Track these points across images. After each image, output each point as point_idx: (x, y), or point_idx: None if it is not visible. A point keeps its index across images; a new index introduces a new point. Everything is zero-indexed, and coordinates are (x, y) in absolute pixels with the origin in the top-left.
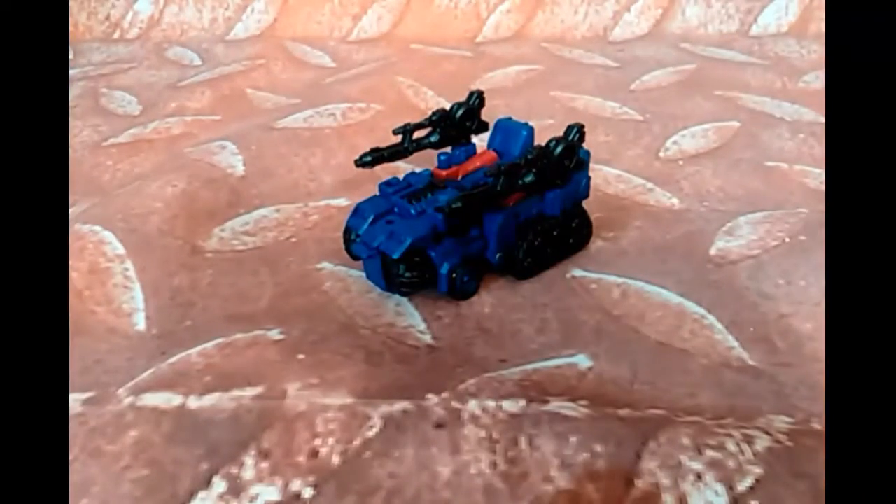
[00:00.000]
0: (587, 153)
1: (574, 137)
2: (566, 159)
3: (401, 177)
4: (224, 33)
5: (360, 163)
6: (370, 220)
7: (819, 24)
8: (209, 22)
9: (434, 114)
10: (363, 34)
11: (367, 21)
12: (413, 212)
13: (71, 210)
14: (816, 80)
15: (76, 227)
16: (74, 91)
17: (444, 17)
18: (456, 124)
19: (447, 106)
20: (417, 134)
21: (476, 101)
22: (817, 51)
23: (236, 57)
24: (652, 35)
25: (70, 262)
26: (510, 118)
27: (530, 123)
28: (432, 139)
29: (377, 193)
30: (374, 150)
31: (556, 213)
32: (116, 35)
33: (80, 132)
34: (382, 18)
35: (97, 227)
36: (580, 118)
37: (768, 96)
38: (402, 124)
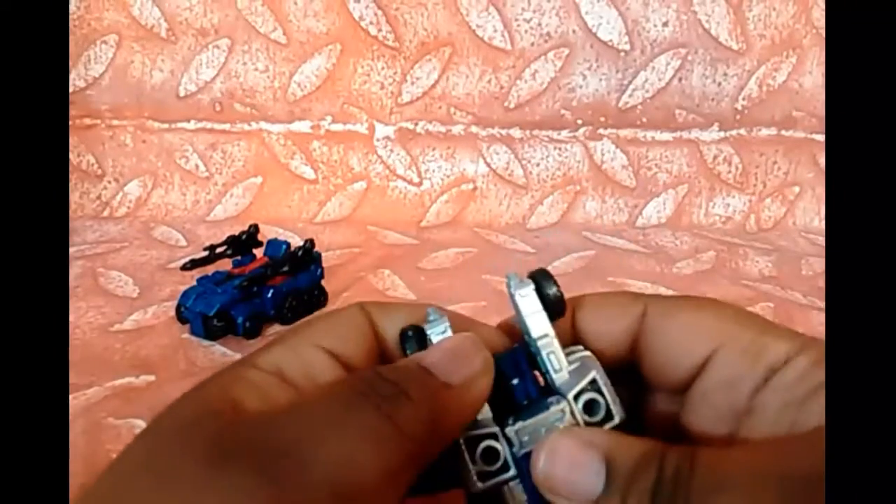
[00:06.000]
0: (318, 253)
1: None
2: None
3: (210, 273)
4: (205, 214)
5: (184, 267)
6: (193, 297)
7: (689, 218)
8: (191, 204)
9: (228, 238)
10: (327, 217)
11: (331, 206)
12: (219, 290)
13: (88, 393)
14: (686, 267)
15: (100, 420)
16: (74, 270)
17: (394, 204)
18: (241, 244)
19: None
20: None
21: (247, 235)
22: (688, 241)
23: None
24: (560, 224)
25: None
26: (276, 238)
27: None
28: (228, 252)
29: (195, 284)
30: (192, 261)
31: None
32: (106, 213)
33: (86, 313)
34: (343, 204)
35: (119, 421)
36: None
37: (649, 282)
38: (207, 246)
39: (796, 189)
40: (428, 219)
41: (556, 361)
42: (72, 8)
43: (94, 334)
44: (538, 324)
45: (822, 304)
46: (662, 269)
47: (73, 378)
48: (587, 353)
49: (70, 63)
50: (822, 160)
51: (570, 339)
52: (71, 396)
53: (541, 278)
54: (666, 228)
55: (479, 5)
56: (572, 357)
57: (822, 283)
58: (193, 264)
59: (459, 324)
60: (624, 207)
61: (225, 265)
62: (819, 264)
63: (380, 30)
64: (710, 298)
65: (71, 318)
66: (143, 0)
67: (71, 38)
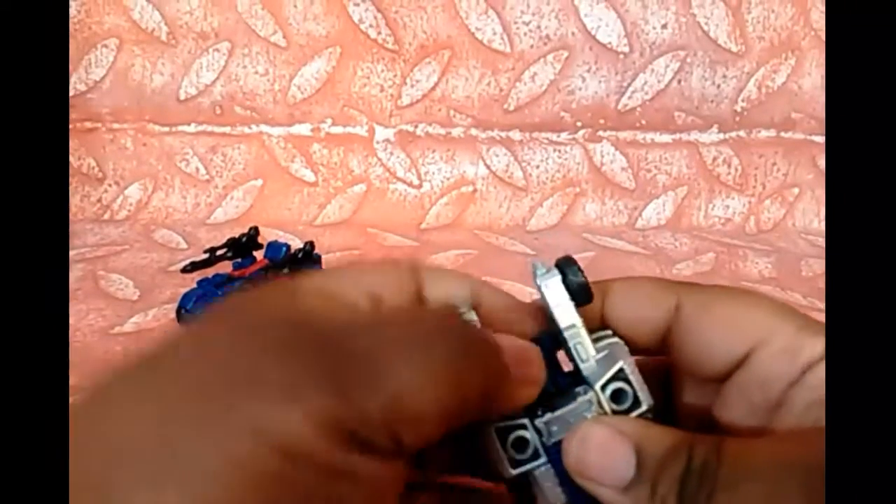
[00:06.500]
0: (318, 255)
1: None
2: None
3: (210, 275)
4: (205, 217)
5: (184, 270)
6: (193, 300)
7: (689, 219)
8: (192, 207)
9: (229, 240)
10: (327, 220)
11: (331, 209)
12: (220, 293)
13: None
14: (686, 269)
15: None
16: (75, 273)
17: (394, 207)
18: (241, 247)
19: None
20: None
21: (247, 237)
22: (687, 242)
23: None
24: (560, 226)
25: None
26: (276, 240)
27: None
28: (229, 254)
29: (195, 287)
30: (192, 263)
31: None
32: (107, 216)
33: (86, 316)
34: (343, 207)
35: None
36: None
37: None
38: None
39: (795, 190)
40: (428, 221)
41: (583, 351)
42: (72, 12)
43: (95, 337)
44: (564, 314)
45: (822, 305)
46: (662, 271)
47: (74, 380)
48: (615, 339)
49: (71, 67)
50: (821, 162)
51: (599, 323)
52: (71, 399)
53: (565, 266)
54: (666, 230)
55: (479, 8)
56: (600, 344)
57: (821, 284)
58: (194, 267)
59: (492, 296)
60: (623, 209)
61: (225, 267)
62: (819, 265)
63: (379, 33)
64: (745, 290)
65: (71, 321)
66: (143, 4)
67: (71, 41)
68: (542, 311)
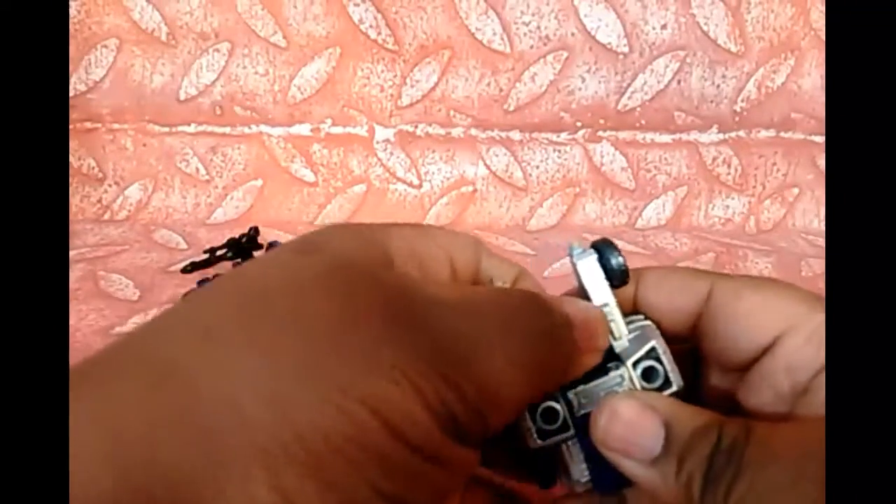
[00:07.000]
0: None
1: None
2: None
3: (210, 276)
4: (205, 217)
5: (184, 270)
6: None
7: (689, 219)
8: (192, 207)
9: (229, 240)
10: (327, 220)
11: (331, 209)
12: None
13: None
14: None
15: None
16: (75, 273)
17: (394, 207)
18: (241, 247)
19: None
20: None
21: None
22: (687, 243)
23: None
24: (560, 226)
25: None
26: (276, 241)
27: None
28: (229, 255)
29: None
30: (192, 263)
31: None
32: (107, 216)
33: (86, 316)
34: (343, 207)
35: None
36: None
37: None
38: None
39: (795, 190)
40: (428, 221)
41: (616, 329)
42: (72, 12)
43: (95, 337)
44: (598, 293)
45: None
46: None
47: None
48: (647, 322)
49: (71, 67)
50: (820, 162)
51: (632, 308)
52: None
53: (604, 247)
54: (666, 230)
55: (479, 8)
56: (633, 326)
57: (822, 284)
58: (194, 267)
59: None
60: (623, 209)
61: (225, 268)
62: (819, 265)
63: (379, 33)
64: (775, 280)
65: (71, 321)
66: (143, 4)
67: (71, 42)
68: (577, 295)
